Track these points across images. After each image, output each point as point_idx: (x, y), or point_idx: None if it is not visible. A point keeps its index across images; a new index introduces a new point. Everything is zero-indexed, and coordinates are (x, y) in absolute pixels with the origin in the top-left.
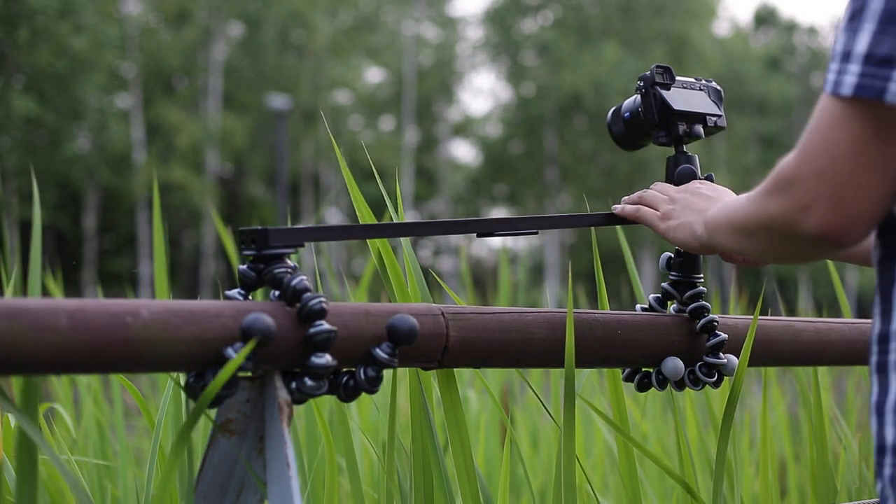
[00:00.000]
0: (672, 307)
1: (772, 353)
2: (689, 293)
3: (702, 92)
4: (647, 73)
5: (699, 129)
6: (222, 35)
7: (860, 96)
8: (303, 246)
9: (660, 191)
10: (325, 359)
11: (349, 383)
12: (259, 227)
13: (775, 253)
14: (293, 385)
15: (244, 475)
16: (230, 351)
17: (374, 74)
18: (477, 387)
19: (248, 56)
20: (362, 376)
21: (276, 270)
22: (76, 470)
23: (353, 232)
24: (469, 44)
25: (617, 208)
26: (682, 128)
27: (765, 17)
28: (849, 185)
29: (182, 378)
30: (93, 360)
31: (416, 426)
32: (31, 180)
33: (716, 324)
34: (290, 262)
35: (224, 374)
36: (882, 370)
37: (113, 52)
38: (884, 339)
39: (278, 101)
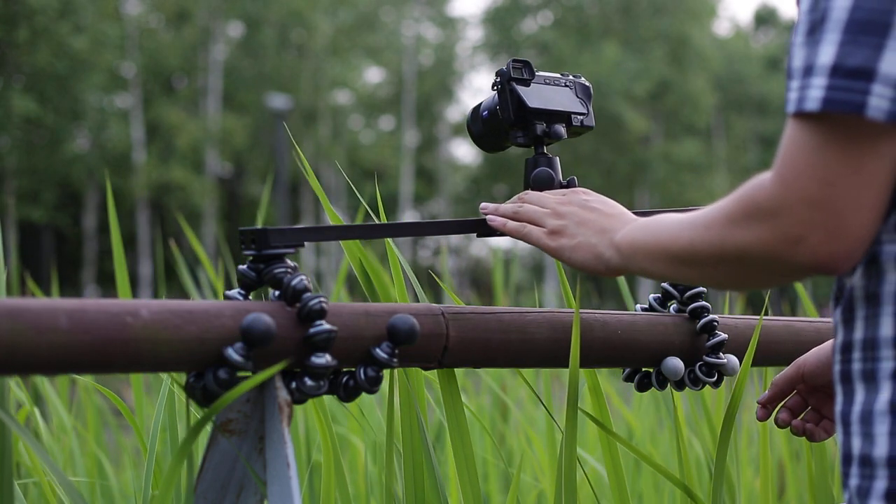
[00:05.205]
0: (672, 307)
1: (772, 353)
2: (689, 293)
3: (566, 89)
4: (504, 68)
5: (560, 128)
6: (222, 35)
7: (831, 111)
8: (303, 246)
9: (537, 203)
10: (325, 359)
11: (349, 383)
12: (259, 227)
13: (735, 281)
14: (293, 385)
15: (244, 475)
16: (230, 351)
17: (374, 74)
18: (469, 390)
19: (248, 56)
20: (362, 376)
21: (276, 270)
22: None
23: (353, 232)
24: (469, 44)
25: (497, 221)
26: (540, 127)
27: (765, 17)
28: (849, 208)
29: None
30: (93, 360)
31: (406, 427)
32: (31, 180)
33: (716, 324)
34: (289, 262)
35: (242, 388)
36: (846, 380)
37: (113, 52)
38: (847, 348)
39: (278, 101)
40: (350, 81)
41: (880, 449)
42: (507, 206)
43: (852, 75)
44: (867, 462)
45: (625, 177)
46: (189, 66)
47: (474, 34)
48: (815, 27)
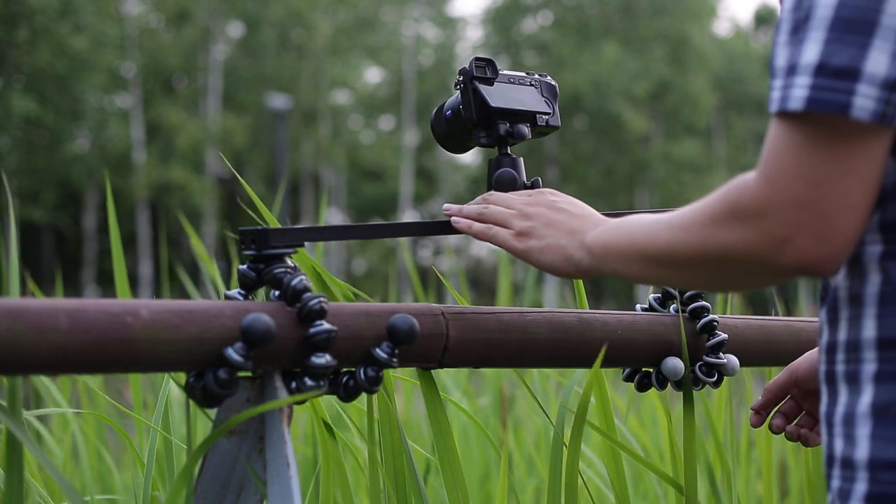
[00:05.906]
0: (672, 307)
1: (772, 352)
2: (688, 293)
3: (531, 87)
4: (467, 66)
5: (524, 128)
6: (222, 35)
7: (815, 111)
8: (303, 246)
9: (503, 204)
10: (325, 359)
11: (349, 383)
12: (259, 227)
13: (715, 283)
14: (293, 385)
15: (244, 475)
16: (230, 351)
17: (374, 74)
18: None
19: (248, 56)
20: (362, 376)
21: (276, 270)
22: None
23: (353, 232)
24: (469, 44)
25: (462, 223)
26: (503, 127)
27: (765, 17)
28: (836, 209)
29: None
30: (93, 360)
31: (386, 430)
32: (31, 180)
33: (716, 324)
34: (289, 262)
35: (263, 408)
36: (831, 380)
37: (113, 52)
38: (832, 349)
39: (278, 101)
40: (350, 81)
41: (861, 451)
42: (472, 208)
43: (837, 75)
44: (848, 464)
45: (625, 177)
46: (189, 66)
47: (474, 34)
48: (799, 25)
